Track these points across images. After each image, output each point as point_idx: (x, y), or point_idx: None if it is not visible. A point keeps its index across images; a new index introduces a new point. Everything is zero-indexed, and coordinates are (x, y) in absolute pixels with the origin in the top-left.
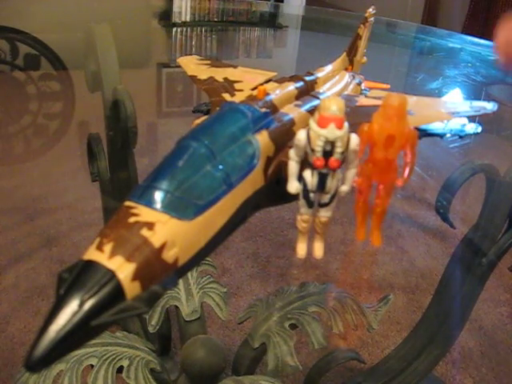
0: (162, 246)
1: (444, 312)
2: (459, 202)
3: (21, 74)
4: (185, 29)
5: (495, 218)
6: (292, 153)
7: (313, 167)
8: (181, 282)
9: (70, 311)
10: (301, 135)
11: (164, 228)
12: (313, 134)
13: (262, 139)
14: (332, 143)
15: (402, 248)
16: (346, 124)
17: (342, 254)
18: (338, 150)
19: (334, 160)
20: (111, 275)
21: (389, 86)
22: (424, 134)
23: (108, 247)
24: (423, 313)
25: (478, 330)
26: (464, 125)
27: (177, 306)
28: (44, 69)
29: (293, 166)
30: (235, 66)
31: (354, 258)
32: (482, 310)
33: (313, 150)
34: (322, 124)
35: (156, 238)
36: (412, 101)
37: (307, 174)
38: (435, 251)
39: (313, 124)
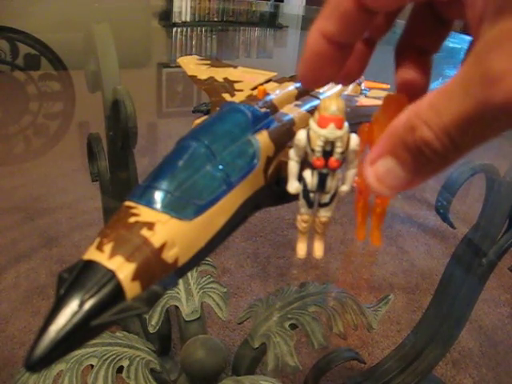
0: (162, 246)
1: (444, 312)
2: (459, 202)
3: (21, 74)
4: (185, 29)
5: (495, 218)
6: (292, 153)
7: (313, 167)
8: (181, 282)
9: (70, 311)
10: (301, 135)
11: (164, 228)
12: (313, 134)
13: (262, 139)
14: (332, 143)
15: (402, 248)
16: (346, 124)
17: (342, 254)
18: (338, 150)
19: (333, 160)
20: (111, 275)
21: (389, 86)
22: None
23: (108, 247)
24: (423, 313)
25: (478, 329)
26: None
27: (177, 306)
28: (44, 69)
29: (293, 166)
30: (235, 66)
31: (354, 258)
32: (482, 310)
33: (313, 150)
34: (322, 124)
35: (156, 238)
36: None
37: (307, 174)
38: (435, 251)
39: (313, 124)
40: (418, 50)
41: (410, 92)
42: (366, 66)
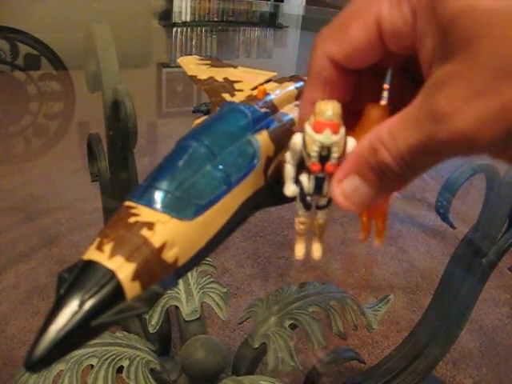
0: (162, 246)
1: (444, 312)
2: (459, 202)
3: (21, 74)
4: (185, 29)
5: (495, 218)
6: (288, 156)
7: (309, 171)
8: (181, 282)
9: (70, 311)
10: (296, 139)
11: (164, 228)
12: (308, 139)
13: (262, 139)
14: (328, 148)
15: (401, 248)
16: (342, 128)
17: (342, 254)
18: (335, 155)
19: (329, 165)
20: (111, 275)
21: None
22: None
23: (108, 247)
24: (423, 313)
25: (478, 330)
26: None
27: (177, 306)
28: (44, 69)
29: (289, 170)
30: (235, 66)
31: (354, 258)
32: (482, 310)
33: (309, 155)
34: (317, 129)
35: (156, 238)
36: None
37: (304, 177)
38: (435, 251)
39: (308, 128)
40: None
41: None
42: None
